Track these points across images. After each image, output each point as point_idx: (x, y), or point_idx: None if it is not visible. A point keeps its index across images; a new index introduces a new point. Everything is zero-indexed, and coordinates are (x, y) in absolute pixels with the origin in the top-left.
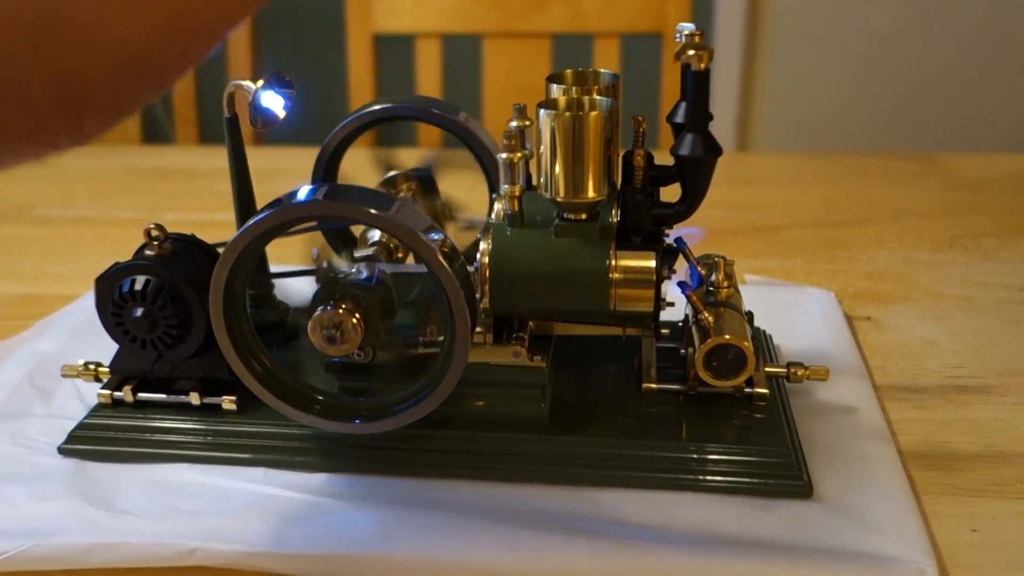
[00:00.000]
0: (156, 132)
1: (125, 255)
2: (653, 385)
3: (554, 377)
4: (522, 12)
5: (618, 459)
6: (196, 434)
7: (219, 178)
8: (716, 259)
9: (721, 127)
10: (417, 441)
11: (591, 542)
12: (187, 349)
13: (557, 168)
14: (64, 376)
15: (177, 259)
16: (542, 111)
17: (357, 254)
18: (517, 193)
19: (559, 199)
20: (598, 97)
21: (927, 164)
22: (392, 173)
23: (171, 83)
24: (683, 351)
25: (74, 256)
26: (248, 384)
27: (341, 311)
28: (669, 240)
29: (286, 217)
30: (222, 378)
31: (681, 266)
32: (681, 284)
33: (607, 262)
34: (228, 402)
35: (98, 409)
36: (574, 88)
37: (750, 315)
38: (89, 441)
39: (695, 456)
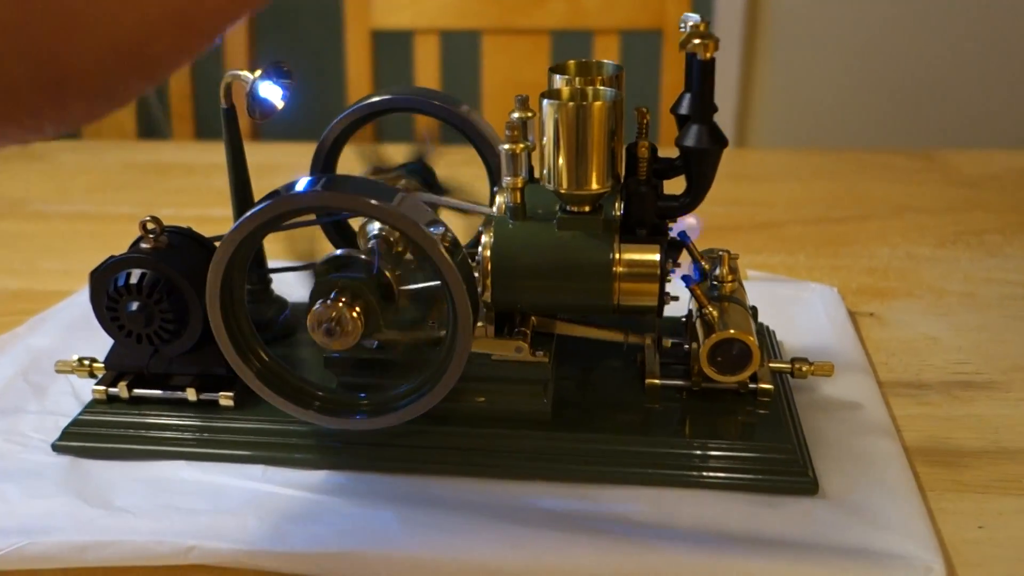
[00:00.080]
0: (152, 128)
1: (121, 250)
2: (656, 381)
3: (556, 373)
4: (521, 8)
5: (621, 456)
6: (193, 431)
7: (215, 174)
8: (720, 253)
9: (720, 123)
10: (417, 438)
11: (594, 540)
12: (183, 344)
13: (560, 160)
14: (58, 372)
15: (173, 252)
16: (545, 101)
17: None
18: (519, 185)
19: (562, 191)
20: (602, 87)
21: (928, 160)
22: (391, 171)
23: (162, 76)
24: (686, 346)
25: (69, 252)
26: (246, 380)
27: (340, 304)
28: (672, 234)
29: (285, 208)
30: (219, 374)
31: (685, 260)
32: (685, 278)
33: (611, 255)
34: (225, 398)
35: (93, 405)
36: (577, 79)
37: (754, 310)
38: (84, 438)
39: (699, 452)
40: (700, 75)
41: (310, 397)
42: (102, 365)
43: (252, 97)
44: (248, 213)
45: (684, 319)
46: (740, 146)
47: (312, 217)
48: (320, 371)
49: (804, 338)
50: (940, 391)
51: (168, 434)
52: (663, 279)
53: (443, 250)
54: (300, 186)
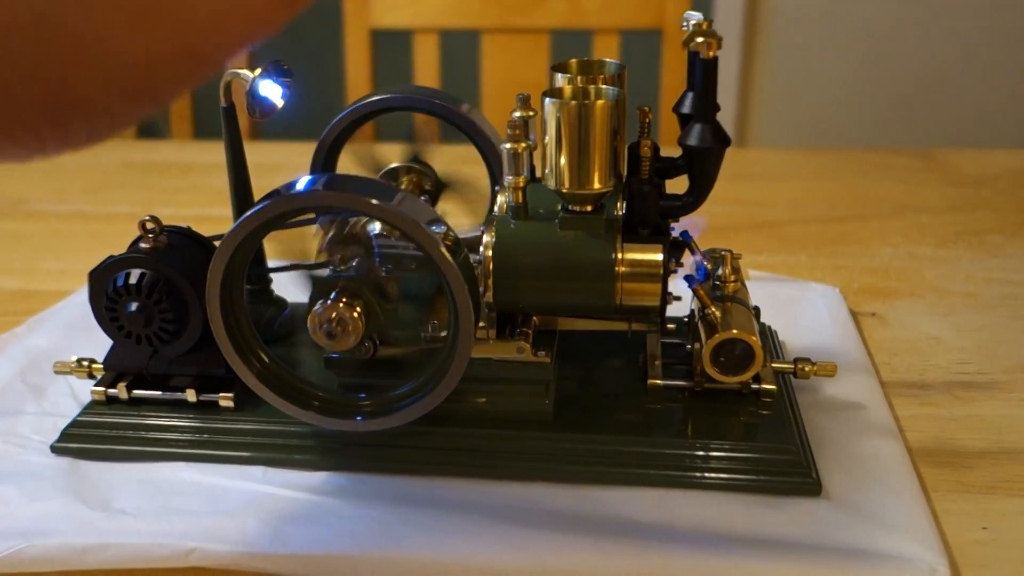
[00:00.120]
0: (151, 127)
1: (119, 250)
2: (659, 381)
3: (557, 373)
4: (521, 8)
5: (623, 456)
6: (192, 432)
7: (214, 173)
8: (723, 253)
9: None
10: (418, 438)
11: (596, 541)
12: (183, 345)
13: (562, 159)
14: (57, 373)
15: (173, 252)
16: (547, 100)
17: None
18: (521, 184)
19: (564, 190)
20: (604, 86)
21: (928, 160)
22: (393, 165)
23: (166, 103)
24: (689, 347)
25: (68, 251)
26: (247, 381)
27: (341, 305)
28: (674, 233)
29: (285, 207)
30: (219, 375)
31: (687, 259)
32: (688, 278)
33: (613, 255)
34: (225, 399)
35: (92, 406)
36: (579, 77)
37: (757, 310)
38: (83, 439)
39: (702, 453)
40: (703, 74)
41: (310, 398)
42: (101, 366)
43: (252, 96)
44: (248, 213)
45: (686, 319)
46: (740, 146)
47: (312, 216)
48: (320, 371)
49: (806, 338)
50: (943, 391)
51: (168, 435)
52: (666, 279)
53: (444, 250)
54: (300, 185)
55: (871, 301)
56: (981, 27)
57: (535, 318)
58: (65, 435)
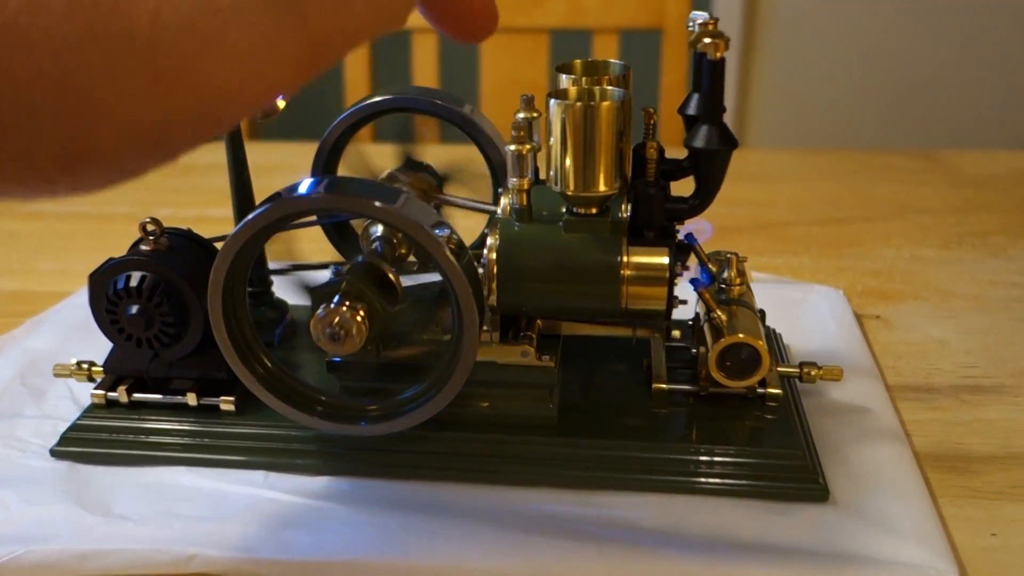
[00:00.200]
0: None
1: (118, 250)
2: (664, 385)
3: (561, 376)
4: (520, 7)
5: (628, 462)
6: (193, 436)
7: (213, 173)
8: (728, 256)
9: None
10: (421, 443)
11: (601, 548)
12: (184, 348)
13: (568, 161)
14: (56, 376)
15: (174, 255)
16: (553, 101)
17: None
18: (525, 186)
19: (569, 193)
20: (609, 87)
21: (930, 161)
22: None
23: (178, 157)
24: (694, 350)
25: (66, 251)
26: (248, 385)
27: (344, 309)
28: (680, 236)
29: (287, 211)
30: (220, 378)
31: (692, 263)
32: (693, 281)
33: (619, 258)
34: (226, 403)
35: (92, 410)
36: (584, 78)
37: (762, 313)
38: (83, 443)
39: (707, 458)
40: (710, 75)
41: (313, 402)
42: (101, 369)
43: None
44: (250, 216)
45: (691, 323)
46: (739, 146)
47: (313, 219)
48: (322, 374)
49: (811, 341)
50: (949, 395)
51: (168, 439)
52: (672, 282)
53: (448, 253)
54: (303, 188)
55: (875, 303)
56: (984, 27)
57: (539, 321)
58: (65, 439)
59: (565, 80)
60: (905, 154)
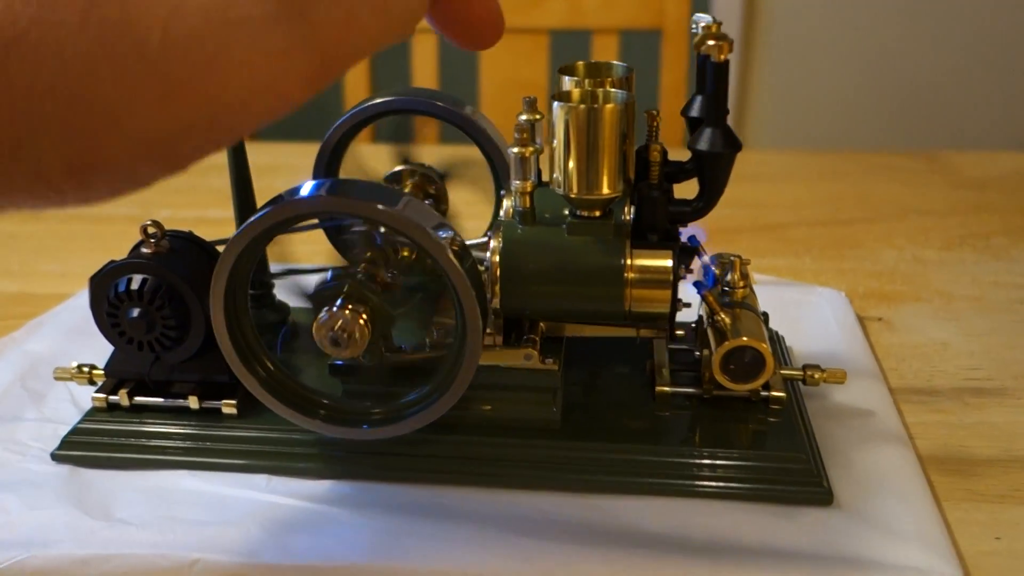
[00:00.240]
0: None
1: (119, 252)
2: (667, 388)
3: (564, 379)
4: (520, 8)
5: (631, 465)
6: (195, 439)
7: (212, 174)
8: (731, 258)
9: None
10: (423, 446)
11: (605, 551)
12: (185, 351)
13: (571, 163)
14: (57, 379)
15: (175, 257)
16: (556, 104)
17: None
18: (528, 189)
19: (572, 195)
20: (613, 90)
21: (931, 162)
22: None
23: (186, 167)
24: (697, 353)
25: (66, 253)
26: (251, 388)
27: (347, 312)
28: (682, 239)
29: (289, 214)
30: (222, 381)
31: (695, 265)
32: (697, 284)
33: (622, 261)
34: (228, 406)
35: (92, 413)
36: (587, 80)
37: (766, 316)
38: (84, 447)
39: (710, 462)
40: (714, 77)
41: (316, 406)
42: (102, 372)
43: None
44: (251, 219)
45: (694, 325)
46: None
47: (315, 222)
48: (324, 378)
49: (813, 344)
50: (952, 398)
51: (170, 443)
52: (675, 285)
53: (451, 255)
54: (304, 191)
55: (877, 305)
56: (985, 28)
57: (542, 324)
58: (66, 442)
59: (568, 82)
60: (907, 155)
